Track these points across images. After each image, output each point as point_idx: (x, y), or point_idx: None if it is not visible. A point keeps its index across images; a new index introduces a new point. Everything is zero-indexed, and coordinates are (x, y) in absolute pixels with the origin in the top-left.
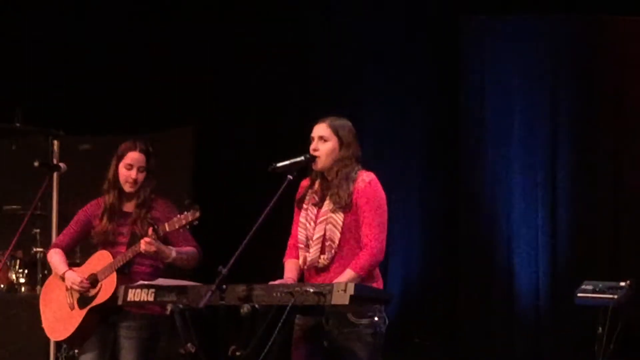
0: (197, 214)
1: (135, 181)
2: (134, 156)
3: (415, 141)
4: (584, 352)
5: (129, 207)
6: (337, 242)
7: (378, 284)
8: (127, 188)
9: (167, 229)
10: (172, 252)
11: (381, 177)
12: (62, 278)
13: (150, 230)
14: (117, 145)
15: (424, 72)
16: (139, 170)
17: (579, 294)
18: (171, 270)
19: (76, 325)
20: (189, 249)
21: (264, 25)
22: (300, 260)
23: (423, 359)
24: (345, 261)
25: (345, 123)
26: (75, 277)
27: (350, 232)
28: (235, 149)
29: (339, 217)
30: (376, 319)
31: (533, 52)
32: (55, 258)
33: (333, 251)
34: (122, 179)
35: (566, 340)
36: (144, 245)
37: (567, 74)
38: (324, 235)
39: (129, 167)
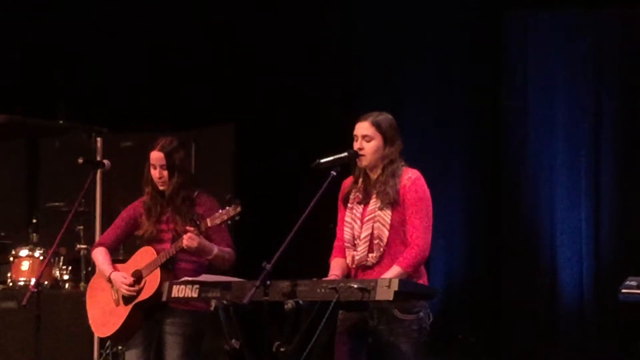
0: (239, 209)
1: (160, 179)
2: (153, 155)
3: (458, 137)
4: (629, 348)
5: (169, 204)
6: (385, 240)
7: (423, 280)
8: (160, 186)
9: (209, 224)
10: (214, 249)
11: (424, 173)
12: (109, 280)
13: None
14: None
15: (466, 68)
16: (161, 168)
17: (623, 290)
18: (211, 268)
19: (121, 321)
20: (227, 249)
21: (307, 21)
22: (348, 260)
23: (467, 355)
24: (392, 259)
25: (387, 118)
26: (121, 278)
27: (397, 229)
28: (277, 145)
29: (386, 215)
30: (422, 314)
31: (576, 47)
32: (100, 257)
33: (381, 249)
34: (153, 178)
35: (610, 337)
36: (186, 240)
37: (610, 68)
38: (372, 233)
39: (153, 166)
